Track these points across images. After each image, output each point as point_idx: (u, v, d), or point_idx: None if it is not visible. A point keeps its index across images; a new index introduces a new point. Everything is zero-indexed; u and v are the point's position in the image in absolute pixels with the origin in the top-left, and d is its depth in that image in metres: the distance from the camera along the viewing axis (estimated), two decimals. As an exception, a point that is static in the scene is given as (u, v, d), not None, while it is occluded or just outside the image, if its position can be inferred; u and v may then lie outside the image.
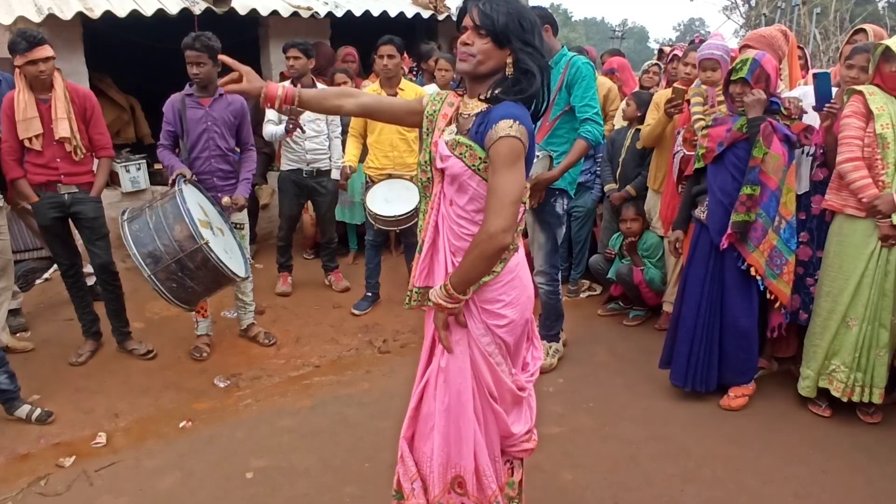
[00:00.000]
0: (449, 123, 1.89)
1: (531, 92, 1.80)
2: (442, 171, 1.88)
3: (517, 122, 1.72)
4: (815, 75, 3.24)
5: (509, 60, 1.78)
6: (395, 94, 4.29)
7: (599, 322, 4.52)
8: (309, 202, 4.89)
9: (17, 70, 3.39)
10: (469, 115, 1.85)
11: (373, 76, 5.31)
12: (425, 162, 1.95)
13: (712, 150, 3.20)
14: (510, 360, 2.00)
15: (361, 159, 4.57)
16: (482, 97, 1.83)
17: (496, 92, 1.79)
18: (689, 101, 3.82)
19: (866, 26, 3.75)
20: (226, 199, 3.71)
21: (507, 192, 1.72)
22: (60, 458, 2.96)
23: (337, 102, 2.03)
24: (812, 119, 3.28)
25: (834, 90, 3.23)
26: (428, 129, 1.95)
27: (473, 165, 1.80)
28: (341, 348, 4.10)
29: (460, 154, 1.82)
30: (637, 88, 5.04)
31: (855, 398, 3.11)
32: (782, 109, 3.16)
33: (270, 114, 4.46)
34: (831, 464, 2.90)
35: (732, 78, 3.16)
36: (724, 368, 3.36)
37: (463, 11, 1.81)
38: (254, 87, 1.98)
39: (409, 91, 4.37)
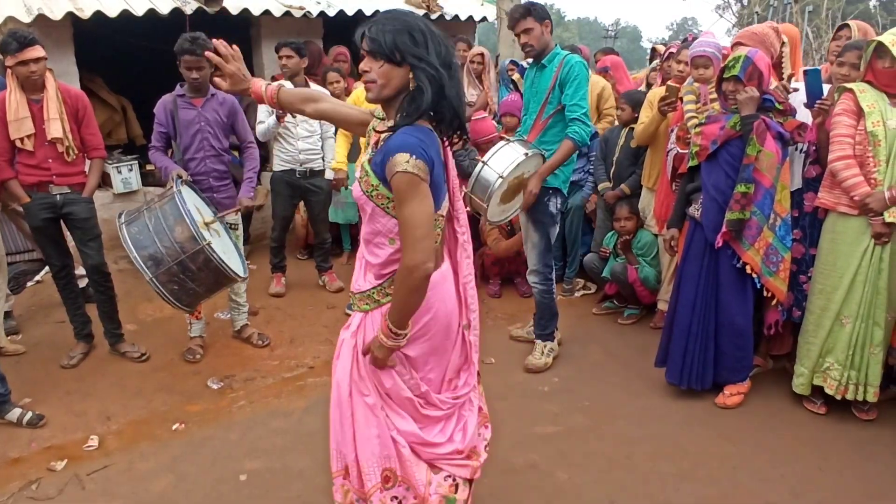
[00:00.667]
0: (374, 146, 1.89)
1: (422, 110, 1.76)
2: None
3: (413, 157, 1.70)
4: (805, 72, 3.24)
5: (411, 76, 1.76)
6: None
7: (594, 321, 4.52)
8: (302, 202, 4.87)
9: (8, 70, 3.37)
10: (381, 140, 1.85)
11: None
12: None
13: (706, 148, 3.20)
14: (414, 372, 1.98)
15: (353, 159, 4.55)
16: (382, 129, 1.82)
17: (398, 118, 1.79)
18: (682, 99, 3.82)
19: (851, 22, 3.76)
20: (232, 217, 3.71)
21: (415, 225, 1.73)
22: (52, 462, 2.94)
23: (300, 106, 2.10)
24: (804, 116, 3.28)
25: (825, 87, 3.23)
26: (366, 145, 2.00)
27: (367, 192, 1.83)
28: (335, 349, 4.07)
29: (359, 178, 1.86)
30: (642, 87, 5.04)
31: (849, 396, 3.11)
32: (776, 105, 3.16)
33: (262, 114, 4.44)
34: (827, 461, 2.90)
35: (725, 76, 3.15)
36: (720, 366, 3.36)
37: (359, 40, 1.80)
38: (239, 88, 2.05)
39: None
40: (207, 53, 2.09)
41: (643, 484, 2.78)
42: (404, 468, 2.02)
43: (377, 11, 6.67)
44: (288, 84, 4.17)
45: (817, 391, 3.24)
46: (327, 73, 5.03)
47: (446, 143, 1.95)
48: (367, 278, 1.97)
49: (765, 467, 2.87)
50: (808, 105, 3.21)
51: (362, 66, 1.78)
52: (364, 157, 1.91)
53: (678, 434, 3.12)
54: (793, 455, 2.95)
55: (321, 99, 2.12)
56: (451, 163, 2.00)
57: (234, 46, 2.04)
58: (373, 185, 1.80)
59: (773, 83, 3.36)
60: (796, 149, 3.32)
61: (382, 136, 1.82)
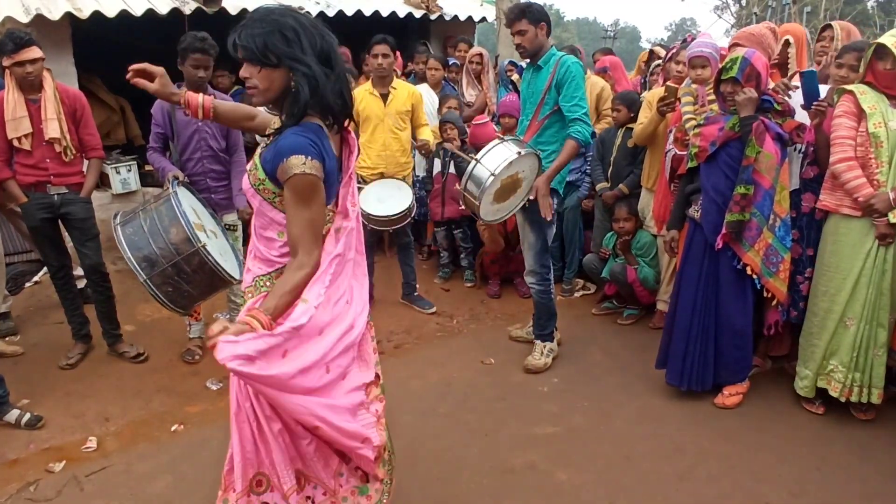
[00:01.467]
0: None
1: (303, 110, 1.75)
2: None
3: (308, 158, 1.70)
4: (801, 74, 3.24)
5: (291, 75, 1.75)
6: (388, 94, 4.28)
7: (594, 321, 4.52)
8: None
9: (5, 70, 3.36)
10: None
11: (362, 77, 5.29)
12: None
13: (705, 149, 3.20)
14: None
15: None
16: (271, 132, 1.84)
17: (282, 118, 1.81)
18: (681, 100, 3.82)
19: (833, 23, 3.76)
20: (231, 218, 3.64)
21: (316, 225, 1.77)
22: (50, 464, 2.93)
23: (239, 124, 2.17)
24: (801, 117, 3.28)
25: (822, 88, 3.23)
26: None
27: (254, 185, 1.85)
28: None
29: (248, 170, 1.88)
30: (645, 93, 5.03)
31: (853, 398, 3.10)
32: (775, 106, 3.15)
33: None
34: (825, 461, 2.90)
35: (723, 77, 3.15)
36: (719, 367, 3.35)
37: (231, 48, 1.80)
38: (168, 92, 2.03)
39: (402, 90, 4.35)
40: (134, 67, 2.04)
41: (642, 484, 2.78)
42: (309, 465, 1.95)
43: (376, 12, 6.65)
44: None
45: (816, 392, 3.23)
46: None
47: (348, 131, 1.93)
48: (255, 268, 1.95)
49: (763, 467, 2.87)
50: (805, 106, 3.20)
51: (242, 73, 1.78)
52: (256, 152, 1.92)
53: (677, 434, 3.12)
54: (791, 455, 2.95)
55: (256, 115, 2.15)
56: (353, 155, 1.99)
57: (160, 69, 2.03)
58: (260, 179, 1.83)
59: (771, 83, 3.36)
60: (794, 149, 3.32)
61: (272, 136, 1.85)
